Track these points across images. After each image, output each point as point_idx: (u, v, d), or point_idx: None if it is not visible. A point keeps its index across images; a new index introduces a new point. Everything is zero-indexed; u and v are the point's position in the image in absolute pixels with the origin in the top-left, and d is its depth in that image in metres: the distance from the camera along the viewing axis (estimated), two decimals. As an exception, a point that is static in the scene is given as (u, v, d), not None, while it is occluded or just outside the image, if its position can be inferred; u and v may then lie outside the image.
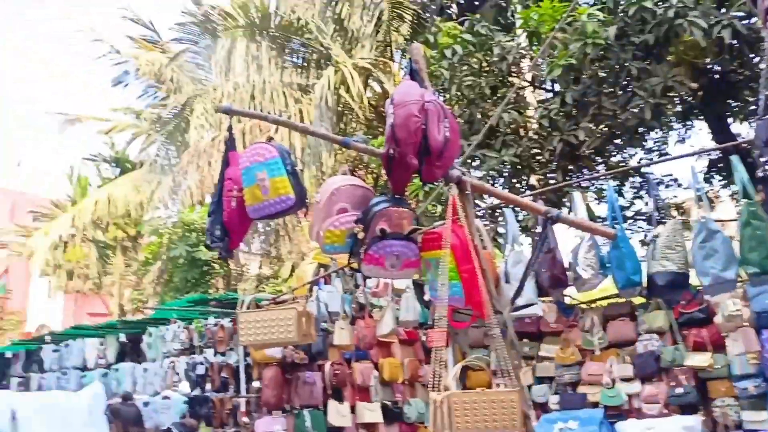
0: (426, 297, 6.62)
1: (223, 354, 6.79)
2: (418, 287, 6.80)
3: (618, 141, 6.65)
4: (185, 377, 6.89)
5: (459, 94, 6.86)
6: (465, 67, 6.83)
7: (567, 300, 6.73)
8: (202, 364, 6.57)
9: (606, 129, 6.14)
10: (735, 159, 3.78)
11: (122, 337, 7.85)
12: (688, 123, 8.83)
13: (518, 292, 2.69)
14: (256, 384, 6.59)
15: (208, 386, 6.65)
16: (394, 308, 5.52)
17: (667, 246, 3.68)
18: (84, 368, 8.21)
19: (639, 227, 8.76)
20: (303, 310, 2.71)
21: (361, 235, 2.53)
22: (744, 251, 3.37)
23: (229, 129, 2.97)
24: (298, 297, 6.45)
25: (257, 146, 2.76)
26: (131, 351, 8.19)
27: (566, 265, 4.24)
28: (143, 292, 17.19)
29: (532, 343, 7.08)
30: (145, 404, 6.76)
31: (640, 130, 6.54)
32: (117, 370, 7.58)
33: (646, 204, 8.58)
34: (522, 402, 2.28)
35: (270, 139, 2.82)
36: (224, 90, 11.32)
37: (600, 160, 7.04)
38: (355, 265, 2.61)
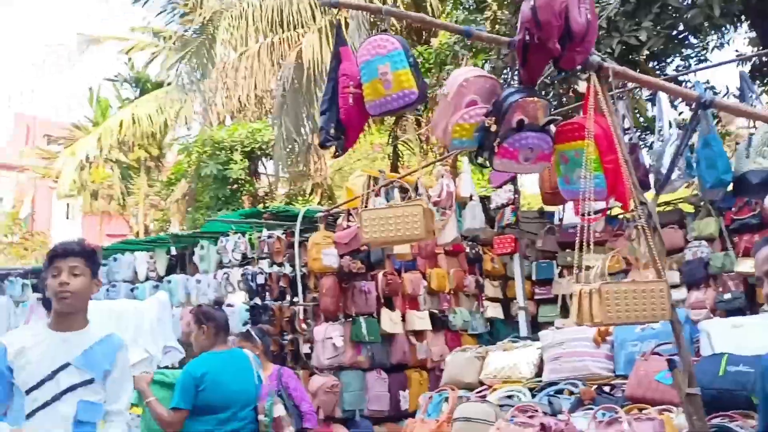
0: (493, 205, 6.67)
1: (280, 265, 6.88)
2: (484, 198, 6.82)
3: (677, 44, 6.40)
4: (239, 288, 7.02)
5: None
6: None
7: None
8: (261, 273, 6.67)
9: (669, 29, 5.90)
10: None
11: (172, 251, 7.94)
12: (728, 27, 8.48)
13: (666, 178, 2.64)
14: (313, 294, 6.73)
15: (267, 296, 6.78)
16: (456, 217, 5.52)
17: (764, 143, 3.59)
18: (132, 282, 8.37)
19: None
20: (427, 207, 2.68)
21: (493, 128, 2.46)
22: None
23: (338, 24, 2.86)
24: (351, 208, 6.47)
25: (377, 38, 2.65)
26: (180, 264, 8.32)
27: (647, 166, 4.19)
28: (167, 212, 17.32)
29: (578, 254, 7.14)
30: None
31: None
32: (170, 282, 7.72)
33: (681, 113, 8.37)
34: (668, 291, 2.29)
35: (384, 30, 2.71)
36: (250, 1, 10.96)
37: (656, 66, 6.84)
38: (483, 161, 2.56)
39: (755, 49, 8.11)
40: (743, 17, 7.79)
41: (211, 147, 12.39)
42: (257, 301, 6.78)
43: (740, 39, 9.20)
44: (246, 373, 3.67)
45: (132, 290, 8.15)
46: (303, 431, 4.16)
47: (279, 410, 3.82)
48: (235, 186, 12.86)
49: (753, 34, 8.39)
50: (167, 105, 14.28)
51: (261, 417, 3.61)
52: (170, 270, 8.34)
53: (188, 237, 8.02)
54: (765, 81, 8.77)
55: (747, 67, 8.46)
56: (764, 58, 8.15)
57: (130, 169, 17.09)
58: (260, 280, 6.62)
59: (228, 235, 7.00)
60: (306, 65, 10.31)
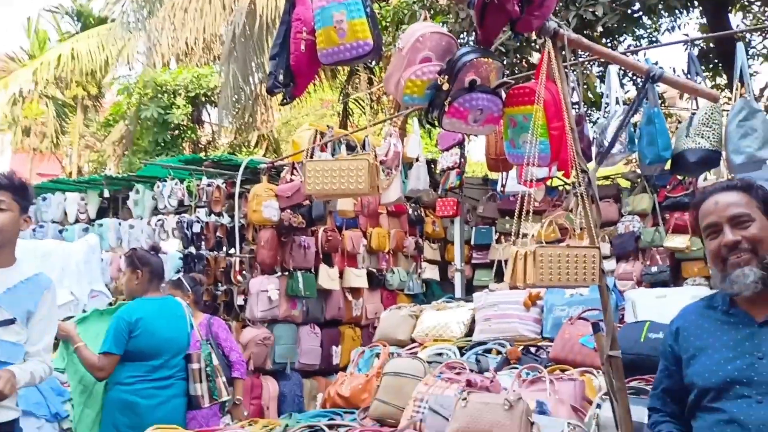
0: (439, 168, 6.68)
1: (218, 214, 6.75)
2: (430, 161, 6.83)
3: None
4: (174, 235, 6.87)
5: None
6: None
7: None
8: (198, 222, 6.53)
9: (624, 7, 5.98)
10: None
11: (105, 193, 7.67)
12: (681, 10, 8.70)
13: (608, 150, 2.70)
14: (250, 246, 6.66)
15: (203, 245, 6.66)
16: (401, 177, 5.52)
17: (703, 123, 3.72)
18: (62, 223, 8.07)
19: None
20: (374, 162, 2.66)
21: (445, 87, 2.45)
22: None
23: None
24: (296, 162, 6.38)
25: (335, -16, 2.56)
26: (113, 208, 8.07)
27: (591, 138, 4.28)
28: (103, 154, 16.68)
29: (517, 220, 7.31)
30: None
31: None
32: (101, 225, 7.47)
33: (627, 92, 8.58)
34: (600, 258, 2.36)
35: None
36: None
37: (609, 44, 6.94)
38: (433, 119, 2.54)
39: (703, 34, 8.34)
40: (696, 3, 8.00)
41: (153, 89, 11.93)
42: (192, 250, 6.66)
43: (691, 25, 9.46)
44: (179, 321, 3.61)
45: (61, 232, 7.88)
46: (232, 380, 4.15)
47: (214, 359, 3.80)
48: (177, 132, 12.49)
49: (703, 20, 8.63)
50: (110, 42, 13.62)
51: (196, 365, 3.56)
52: (102, 213, 8.09)
53: (123, 180, 7.76)
54: (710, 67, 9.07)
55: (695, 52, 8.70)
56: (711, 44, 8.41)
57: (66, 106, 16.28)
58: (196, 228, 6.49)
59: (165, 181, 6.80)
60: (259, 11, 9.99)
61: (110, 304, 7.30)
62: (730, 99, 4.03)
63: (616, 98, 4.04)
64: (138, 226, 7.20)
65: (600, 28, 6.23)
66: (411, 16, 7.47)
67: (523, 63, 6.83)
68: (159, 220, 6.95)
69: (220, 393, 3.65)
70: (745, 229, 1.72)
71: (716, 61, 8.74)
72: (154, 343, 3.44)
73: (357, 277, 7.16)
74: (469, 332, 4.18)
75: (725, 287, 1.75)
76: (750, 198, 1.76)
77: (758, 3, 8.26)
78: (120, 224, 7.41)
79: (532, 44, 6.72)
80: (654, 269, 6.74)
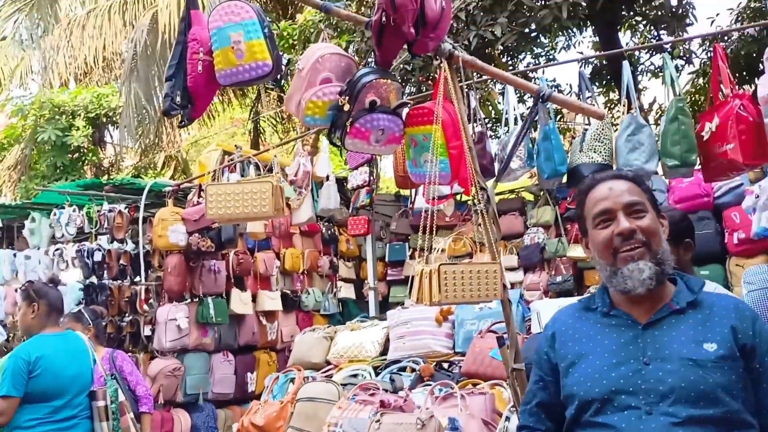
0: (350, 186, 6.68)
1: (120, 241, 6.46)
2: (341, 180, 6.83)
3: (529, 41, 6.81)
4: (74, 265, 6.51)
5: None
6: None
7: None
8: (99, 250, 6.21)
9: (521, 27, 6.23)
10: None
11: (-3, 223, 7.20)
12: (574, 30, 9.19)
13: (503, 169, 2.76)
14: (157, 273, 6.40)
15: (105, 274, 6.34)
16: (312, 197, 5.48)
17: (595, 139, 3.91)
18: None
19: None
20: (277, 184, 2.61)
21: (346, 108, 2.45)
22: (666, 145, 3.65)
23: (190, -16, 2.68)
24: (203, 184, 6.21)
25: (231, 4, 2.52)
26: (7, 238, 7.56)
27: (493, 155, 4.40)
28: (-4, 180, 15.65)
29: (424, 236, 7.43)
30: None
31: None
32: (-7, 258, 7.00)
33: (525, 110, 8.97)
34: (501, 273, 2.41)
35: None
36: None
37: (510, 62, 7.20)
38: (335, 140, 2.53)
39: (597, 52, 8.82)
40: (588, 23, 8.46)
41: (51, 111, 11.29)
42: (93, 279, 6.33)
43: (585, 43, 9.97)
44: (82, 357, 3.41)
45: (-53, 266, 7.30)
46: (139, 416, 3.95)
47: (120, 395, 3.61)
48: (77, 154, 11.85)
49: (596, 39, 9.12)
50: (1, 61, 12.85)
51: (101, 403, 3.37)
52: (-5, 244, 7.58)
53: (17, 208, 7.30)
54: (603, 83, 9.60)
55: (588, 69, 9.20)
56: (604, 62, 8.90)
57: (-48, 129, 15.20)
58: (98, 257, 6.18)
59: (63, 208, 6.45)
60: (161, 29, 9.70)
61: (6, 340, 6.86)
62: (621, 113, 4.25)
63: (515, 116, 4.17)
64: (35, 257, 6.79)
65: (500, 47, 6.46)
66: (317, 35, 7.49)
67: (429, 81, 6.97)
68: (57, 249, 6.57)
69: (127, 431, 3.47)
70: (640, 219, 1.56)
71: (609, 77, 9.26)
72: (57, 382, 3.24)
73: (271, 300, 7.03)
74: (384, 351, 4.17)
75: (617, 283, 1.56)
76: (641, 190, 1.63)
77: (644, 22, 8.82)
78: (15, 255, 6.96)
79: (435, 63, 6.87)
80: (559, 279, 6.99)
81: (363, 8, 7.50)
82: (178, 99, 2.64)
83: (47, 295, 3.38)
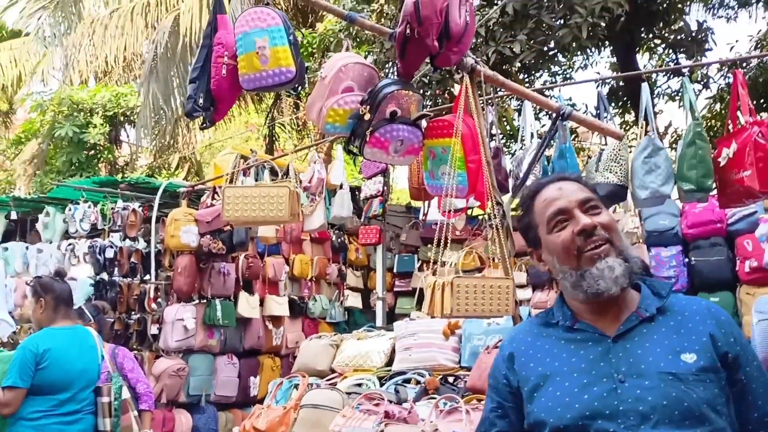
0: (363, 196, 6.70)
1: (133, 239, 6.50)
2: (354, 189, 6.86)
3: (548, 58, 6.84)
4: (86, 261, 6.56)
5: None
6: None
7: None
8: (111, 247, 6.25)
9: (540, 45, 6.26)
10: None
11: (12, 215, 7.24)
12: (592, 50, 9.21)
13: (520, 184, 2.77)
14: (167, 273, 6.43)
15: (116, 271, 6.38)
16: (325, 204, 5.49)
17: (612, 159, 3.90)
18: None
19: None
20: (294, 189, 2.63)
21: (367, 117, 2.47)
22: (683, 168, 3.64)
23: (218, -11, 2.72)
24: (217, 186, 6.25)
25: (257, 10, 2.56)
26: (20, 231, 7.63)
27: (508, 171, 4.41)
28: (12, 173, 15.79)
29: (437, 249, 7.43)
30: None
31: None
32: (6, 249, 7.05)
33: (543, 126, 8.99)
34: (513, 289, 2.42)
35: (266, 3, 2.62)
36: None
37: (527, 79, 7.22)
38: (354, 148, 2.55)
39: (614, 73, 8.84)
40: (607, 43, 8.49)
41: (69, 107, 11.42)
42: (104, 276, 6.37)
43: (602, 63, 10.00)
44: (90, 352, 3.43)
45: (-40, 256, 7.37)
46: (140, 413, 3.97)
47: (125, 392, 3.62)
48: (93, 152, 11.95)
49: (614, 59, 9.14)
50: (23, 57, 13.01)
51: (106, 399, 3.39)
52: (8, 236, 7.64)
53: (32, 202, 7.37)
54: (619, 104, 9.60)
55: (605, 89, 9.22)
56: (621, 83, 8.91)
57: (-28, 122, 15.39)
58: (109, 254, 6.22)
59: (78, 203, 6.50)
60: (183, 32, 9.81)
61: (14, 332, 6.90)
62: (637, 135, 4.25)
63: (531, 132, 4.18)
64: (47, 251, 6.85)
65: (518, 64, 6.48)
66: (337, 44, 7.55)
67: (446, 95, 7.00)
68: (70, 244, 6.63)
69: (129, 428, 3.48)
70: (597, 215, 1.41)
71: (625, 98, 9.27)
72: (64, 376, 3.26)
73: (278, 305, 7.03)
74: (390, 362, 4.16)
75: (587, 286, 1.36)
76: (589, 189, 1.48)
77: (663, 45, 8.83)
78: (27, 248, 7.02)
79: (454, 77, 6.91)
80: (567, 297, 6.96)
81: (383, 19, 7.55)
82: (201, 101, 2.67)
83: (53, 289, 3.42)
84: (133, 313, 6.46)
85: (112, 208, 6.47)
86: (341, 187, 5.54)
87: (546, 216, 1.44)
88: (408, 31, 2.37)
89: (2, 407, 3.13)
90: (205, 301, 6.10)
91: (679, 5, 7.77)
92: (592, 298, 1.37)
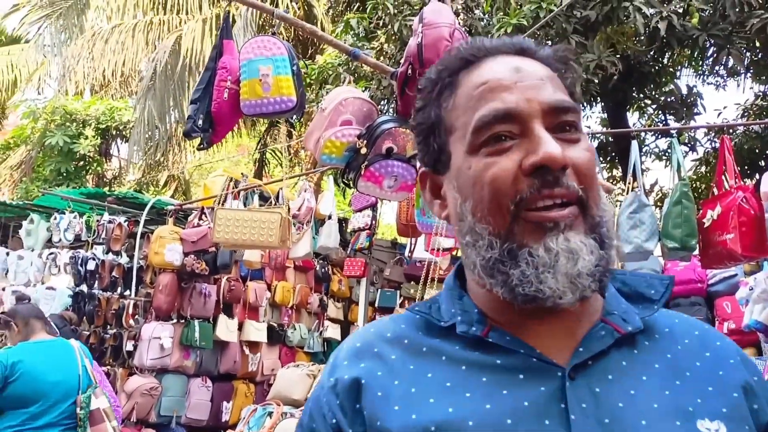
0: (350, 228, 6.73)
1: (116, 253, 6.46)
2: (342, 221, 6.88)
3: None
4: (66, 271, 6.50)
5: (398, 33, 6.84)
6: (406, 6, 6.83)
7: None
8: (93, 259, 6.20)
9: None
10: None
11: (-7, 221, 7.20)
12: (584, 105, 9.43)
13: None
14: (147, 290, 6.38)
15: (96, 284, 6.32)
16: (312, 233, 5.52)
17: (599, 212, 3.98)
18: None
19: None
20: (286, 216, 2.66)
21: (363, 151, 2.52)
22: (668, 226, 3.72)
23: (226, 16, 2.78)
24: (206, 207, 6.25)
25: (263, 39, 2.62)
26: (2, 236, 7.56)
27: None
28: (-1, 178, 15.67)
29: (421, 286, 7.45)
30: (16, 293, 6.34)
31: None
32: (-16, 255, 6.97)
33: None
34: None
35: (273, 33, 2.68)
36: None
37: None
38: (349, 181, 2.59)
39: (604, 128, 9.02)
40: (599, 99, 8.68)
41: (62, 117, 11.43)
42: (84, 288, 6.30)
43: (593, 118, 10.22)
44: (68, 364, 3.42)
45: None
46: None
47: (100, 402, 3.56)
48: (82, 163, 11.93)
49: (604, 115, 9.34)
50: (20, 63, 13.05)
51: (79, 410, 3.35)
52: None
53: (17, 208, 7.31)
54: (608, 159, 9.79)
55: (595, 143, 9.40)
56: (610, 138, 9.10)
57: (-39, 124, 15.31)
58: (91, 266, 6.18)
59: (63, 213, 6.47)
60: (183, 53, 9.91)
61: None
62: (623, 191, 4.34)
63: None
64: (27, 258, 6.77)
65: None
66: (335, 77, 7.65)
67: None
68: (51, 253, 6.58)
69: None
70: (572, 144, 0.74)
71: (613, 154, 9.44)
72: (35, 388, 3.24)
73: (257, 331, 6.99)
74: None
75: (519, 281, 0.71)
76: (565, 84, 0.80)
77: (653, 106, 9.05)
78: (8, 254, 6.94)
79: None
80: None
81: (382, 57, 7.69)
82: (200, 122, 2.71)
83: (16, 312, 3.50)
84: (109, 327, 6.39)
85: (97, 221, 6.44)
86: (330, 217, 5.58)
87: (476, 117, 0.75)
88: (410, 71, 2.44)
89: None
90: (183, 321, 6.05)
91: (671, 69, 7.98)
92: (522, 303, 0.71)
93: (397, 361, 0.77)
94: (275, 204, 5.18)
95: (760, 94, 8.22)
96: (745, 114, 8.05)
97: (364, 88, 7.57)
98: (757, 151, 7.42)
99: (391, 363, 0.77)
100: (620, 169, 9.14)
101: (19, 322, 3.45)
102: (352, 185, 2.61)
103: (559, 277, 0.69)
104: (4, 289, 6.61)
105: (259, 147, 13.49)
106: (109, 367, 5.77)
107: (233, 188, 5.93)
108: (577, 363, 0.72)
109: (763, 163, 7.69)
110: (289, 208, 5.47)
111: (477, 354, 0.74)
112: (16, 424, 3.16)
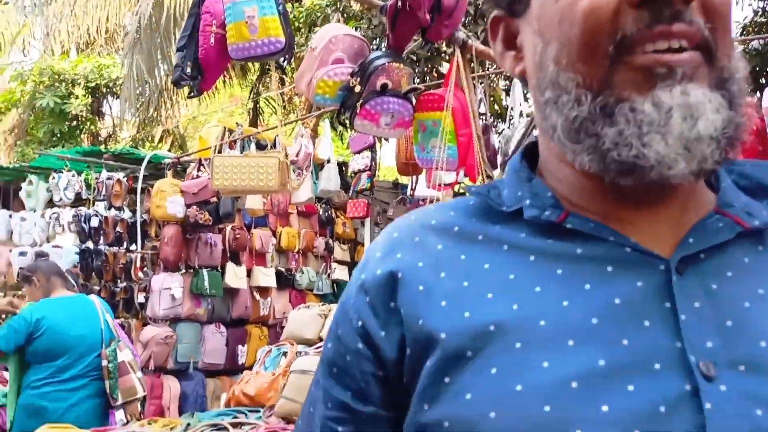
0: (350, 170, 6.74)
1: (118, 209, 6.49)
2: (341, 164, 6.88)
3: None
4: (70, 229, 6.56)
5: None
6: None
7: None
8: (96, 216, 6.25)
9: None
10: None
11: (-6, 185, 7.20)
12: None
13: (508, 160, 2.82)
14: (153, 243, 6.45)
15: (101, 240, 6.39)
16: (312, 178, 5.53)
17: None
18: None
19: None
20: (283, 160, 2.67)
21: (357, 89, 2.50)
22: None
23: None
24: (203, 158, 6.25)
25: (248, -20, 2.56)
26: (2, 199, 7.58)
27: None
28: (-8, 143, 15.58)
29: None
30: (22, 254, 6.41)
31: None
32: (-12, 218, 7.02)
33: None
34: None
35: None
36: None
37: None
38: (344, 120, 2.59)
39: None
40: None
41: (51, 78, 11.26)
42: (89, 245, 6.37)
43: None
44: (90, 318, 3.52)
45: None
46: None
47: (125, 355, 3.68)
48: (75, 123, 11.83)
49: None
50: (2, 26, 12.77)
51: (104, 363, 3.48)
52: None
53: (15, 171, 7.32)
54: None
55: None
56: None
57: (-50, 90, 15.11)
58: (94, 222, 6.22)
59: (62, 172, 6.48)
60: (167, 2, 9.67)
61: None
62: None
63: (520, 111, 4.24)
64: (30, 219, 6.82)
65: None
66: (324, 19, 7.51)
67: (434, 72, 7.01)
68: (54, 212, 6.62)
69: (127, 392, 3.56)
70: None
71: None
72: (60, 342, 3.38)
73: (265, 276, 7.09)
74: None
75: (617, 144, 0.52)
76: None
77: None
78: (11, 216, 6.99)
79: (443, 54, 6.92)
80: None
81: (372, -6, 7.53)
82: (188, 70, 2.69)
83: (37, 267, 3.57)
84: (119, 281, 6.49)
85: (96, 178, 6.45)
86: (328, 161, 5.57)
87: None
88: (399, 3, 2.40)
89: None
90: (192, 271, 6.13)
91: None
92: (616, 175, 0.54)
93: (444, 251, 0.60)
94: (272, 150, 5.19)
95: (759, 10, 8.06)
96: (744, 32, 7.91)
97: (354, 28, 7.43)
98: (757, 68, 7.33)
99: (437, 253, 0.61)
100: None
101: (40, 277, 3.53)
102: (348, 125, 2.61)
103: (671, 140, 0.51)
104: (11, 251, 6.67)
105: (252, 96, 13.34)
106: (123, 319, 5.89)
107: (229, 138, 5.92)
108: (685, 255, 0.55)
109: (763, 81, 7.60)
110: (286, 154, 5.48)
111: (550, 242, 0.58)
112: (45, 376, 3.29)
